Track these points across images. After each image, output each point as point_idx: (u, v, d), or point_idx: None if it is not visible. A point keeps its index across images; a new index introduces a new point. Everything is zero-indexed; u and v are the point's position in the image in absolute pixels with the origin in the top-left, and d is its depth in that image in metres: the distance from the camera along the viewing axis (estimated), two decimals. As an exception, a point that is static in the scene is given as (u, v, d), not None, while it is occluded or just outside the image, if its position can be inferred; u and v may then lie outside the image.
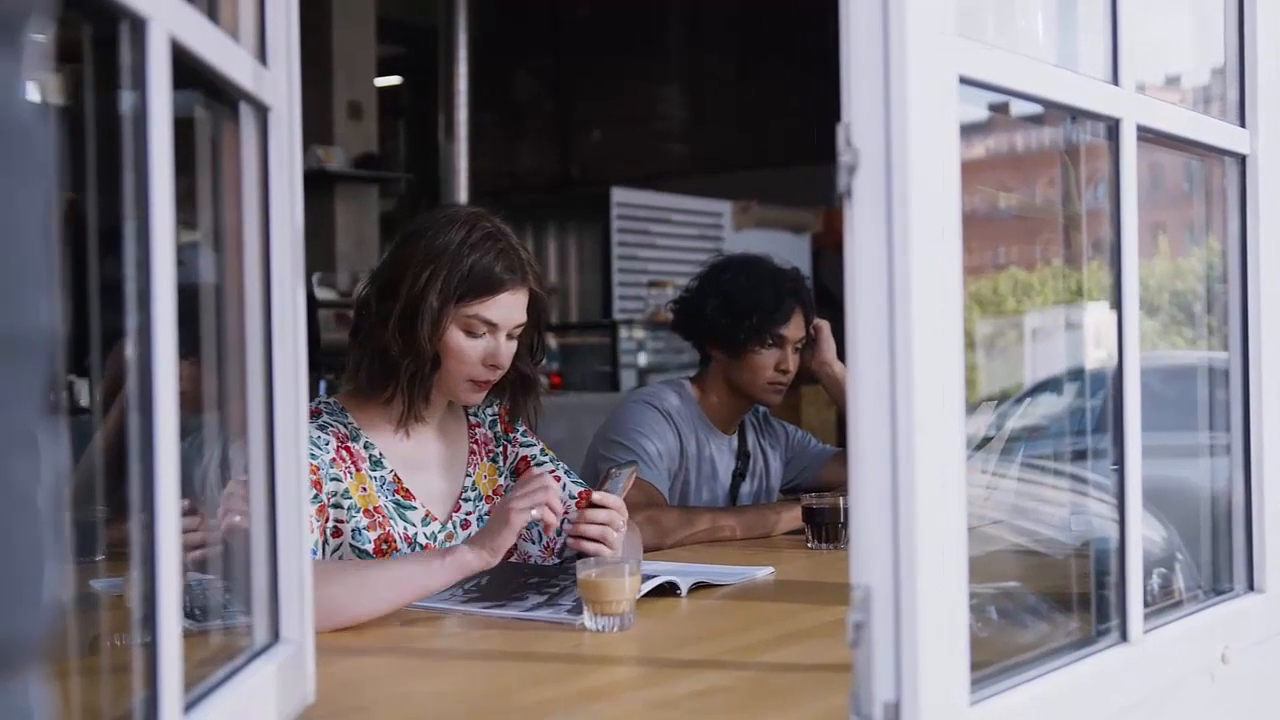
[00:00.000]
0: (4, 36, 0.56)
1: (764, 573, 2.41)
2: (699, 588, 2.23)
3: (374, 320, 2.26)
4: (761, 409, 3.26)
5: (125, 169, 1.03)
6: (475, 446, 2.44)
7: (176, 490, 1.04)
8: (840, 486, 3.03)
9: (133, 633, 1.35)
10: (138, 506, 1.03)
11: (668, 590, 2.16)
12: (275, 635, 1.40)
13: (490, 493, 2.43)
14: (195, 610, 1.37)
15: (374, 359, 2.26)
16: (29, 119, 0.57)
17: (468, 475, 2.41)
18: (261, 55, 1.37)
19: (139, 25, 1.01)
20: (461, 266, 2.22)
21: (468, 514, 2.39)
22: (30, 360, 0.57)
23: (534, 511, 2.02)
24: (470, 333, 2.25)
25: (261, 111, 1.37)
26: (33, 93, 0.58)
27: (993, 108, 1.52)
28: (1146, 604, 1.58)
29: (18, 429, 0.55)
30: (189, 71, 1.14)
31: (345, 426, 2.28)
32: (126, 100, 1.04)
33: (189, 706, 1.10)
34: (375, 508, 2.25)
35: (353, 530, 2.21)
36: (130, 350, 1.03)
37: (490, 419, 2.49)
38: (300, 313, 1.42)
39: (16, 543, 0.56)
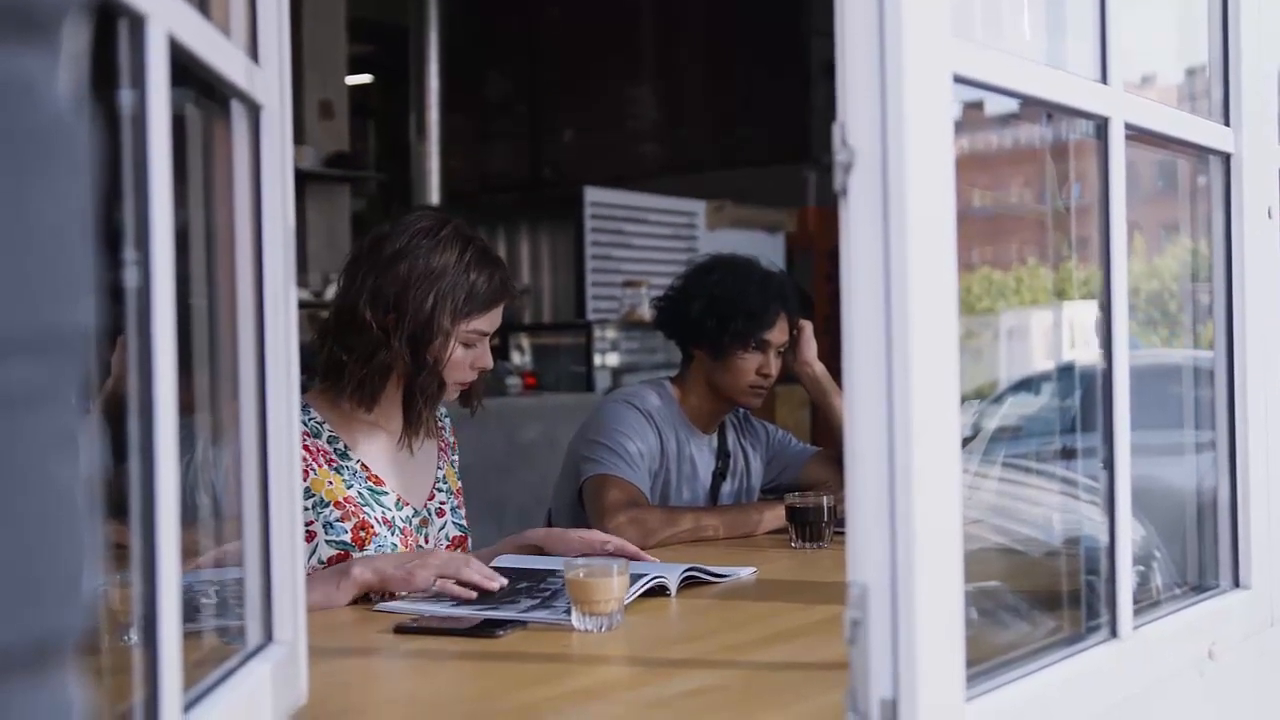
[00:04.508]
0: (41, 34, 0.55)
1: (748, 572, 2.41)
2: (688, 585, 2.24)
3: (376, 338, 2.29)
4: (742, 409, 3.27)
5: (123, 166, 1.02)
6: (443, 444, 2.54)
7: (176, 492, 1.03)
8: (821, 485, 3.04)
9: (121, 633, 1.35)
10: (137, 508, 1.02)
11: (655, 590, 2.16)
12: (269, 636, 1.39)
13: (455, 489, 2.54)
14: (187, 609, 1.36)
15: (377, 375, 2.32)
16: (67, 116, 0.57)
17: (439, 468, 2.50)
18: (254, 54, 1.37)
19: (138, 23, 1.01)
20: (466, 286, 2.32)
21: (441, 503, 2.48)
22: (70, 358, 0.57)
23: (437, 584, 2.10)
24: (466, 345, 2.36)
25: (254, 110, 1.36)
26: (69, 89, 0.58)
27: (968, 105, 1.52)
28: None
29: (58, 427, 0.55)
30: (182, 69, 1.13)
31: (306, 423, 2.30)
32: (124, 98, 1.03)
33: (188, 707, 1.10)
34: (346, 498, 2.30)
35: (324, 525, 2.26)
36: (130, 350, 1.02)
37: (449, 426, 2.60)
38: (293, 313, 1.42)
39: (58, 540, 0.56)
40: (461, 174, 10.20)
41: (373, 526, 2.30)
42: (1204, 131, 1.83)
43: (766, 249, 8.03)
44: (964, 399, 2.25)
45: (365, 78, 10.70)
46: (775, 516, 2.88)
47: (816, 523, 2.70)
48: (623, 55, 10.34)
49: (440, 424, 2.55)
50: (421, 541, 2.39)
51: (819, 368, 3.20)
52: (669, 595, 2.16)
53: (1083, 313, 1.73)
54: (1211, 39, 1.87)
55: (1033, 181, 1.94)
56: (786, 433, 3.41)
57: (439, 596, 2.09)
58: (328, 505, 2.27)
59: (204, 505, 1.55)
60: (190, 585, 1.43)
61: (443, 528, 2.46)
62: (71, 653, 0.57)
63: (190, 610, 1.37)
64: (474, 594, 2.08)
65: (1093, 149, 1.59)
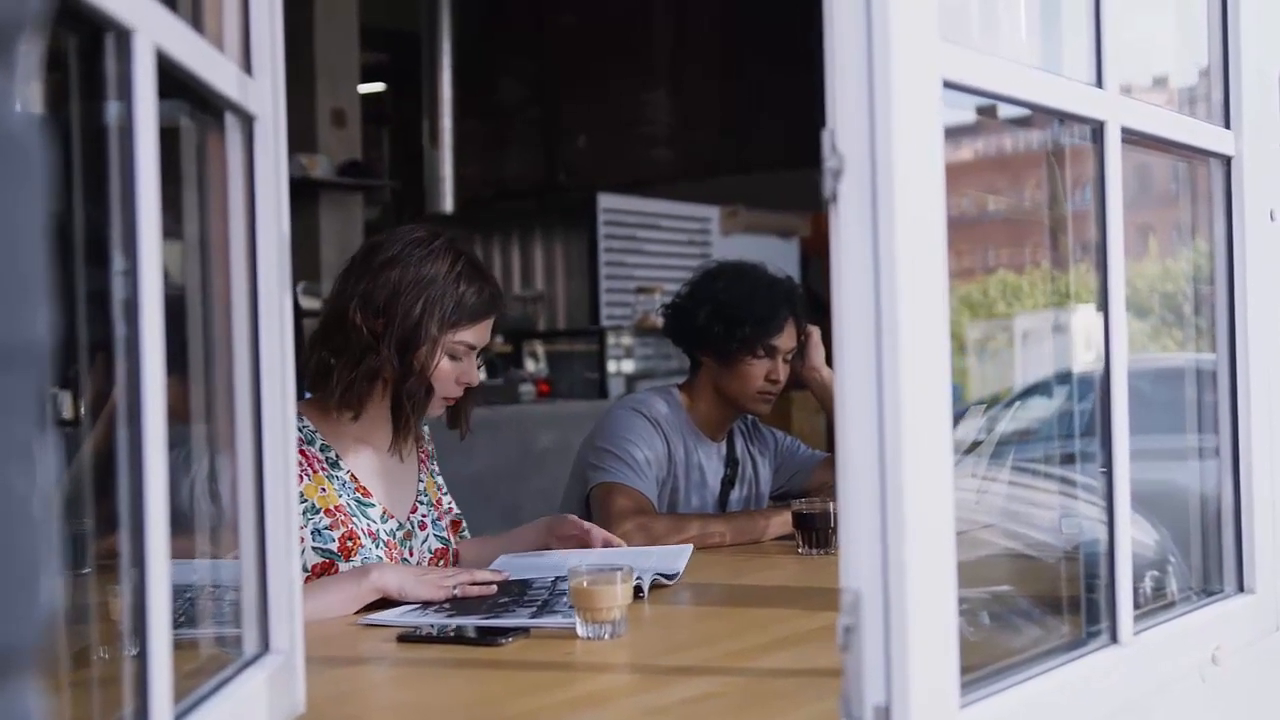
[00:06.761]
0: (-2, 48, 0.56)
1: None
2: (656, 587, 2.27)
3: (365, 342, 2.32)
4: (750, 415, 3.26)
5: (111, 179, 1.03)
6: (423, 456, 2.56)
7: (165, 502, 1.04)
8: (829, 492, 3.03)
9: (117, 645, 1.35)
10: (127, 519, 1.02)
11: (654, 597, 2.16)
12: (265, 645, 1.39)
13: (435, 501, 2.55)
14: (181, 619, 1.36)
15: (364, 379, 2.34)
16: (24, 130, 0.58)
17: (420, 481, 2.53)
18: (246, 65, 1.37)
19: (124, 36, 1.01)
20: (455, 297, 2.35)
21: (423, 516, 2.50)
22: (28, 370, 0.57)
23: (456, 590, 2.18)
24: (453, 357, 2.38)
25: (247, 121, 1.37)
26: (26, 104, 0.59)
27: (980, 111, 1.52)
28: (1138, 606, 1.59)
29: (16, 438, 0.56)
30: (173, 81, 1.14)
31: (301, 430, 2.32)
32: (112, 110, 1.04)
33: (180, 716, 1.10)
34: (336, 507, 2.33)
35: (313, 532, 2.28)
36: (118, 362, 1.03)
37: (428, 435, 2.62)
38: (287, 324, 1.42)
39: (14, 551, 0.56)
40: (475, 181, 10.19)
41: (359, 538, 2.32)
42: (1204, 134, 1.82)
43: (781, 254, 8.03)
44: (978, 402, 2.24)
45: (378, 86, 10.71)
46: (782, 522, 2.88)
47: (823, 529, 2.69)
48: (635, 60, 10.33)
49: (419, 432, 2.57)
50: (406, 555, 2.41)
51: (827, 373, 3.19)
52: (643, 598, 2.17)
53: (1093, 316, 1.73)
54: (1211, 41, 1.86)
55: (1045, 184, 1.94)
56: (795, 439, 3.40)
57: (424, 609, 2.11)
58: (319, 512, 2.29)
59: (211, 517, 1.56)
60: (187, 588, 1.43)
61: (425, 540, 2.48)
62: (29, 663, 0.57)
63: (187, 619, 1.37)
64: (494, 589, 2.19)
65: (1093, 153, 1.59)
